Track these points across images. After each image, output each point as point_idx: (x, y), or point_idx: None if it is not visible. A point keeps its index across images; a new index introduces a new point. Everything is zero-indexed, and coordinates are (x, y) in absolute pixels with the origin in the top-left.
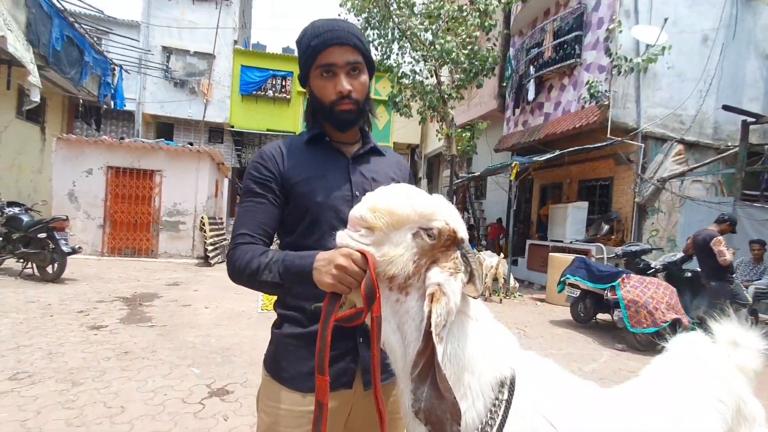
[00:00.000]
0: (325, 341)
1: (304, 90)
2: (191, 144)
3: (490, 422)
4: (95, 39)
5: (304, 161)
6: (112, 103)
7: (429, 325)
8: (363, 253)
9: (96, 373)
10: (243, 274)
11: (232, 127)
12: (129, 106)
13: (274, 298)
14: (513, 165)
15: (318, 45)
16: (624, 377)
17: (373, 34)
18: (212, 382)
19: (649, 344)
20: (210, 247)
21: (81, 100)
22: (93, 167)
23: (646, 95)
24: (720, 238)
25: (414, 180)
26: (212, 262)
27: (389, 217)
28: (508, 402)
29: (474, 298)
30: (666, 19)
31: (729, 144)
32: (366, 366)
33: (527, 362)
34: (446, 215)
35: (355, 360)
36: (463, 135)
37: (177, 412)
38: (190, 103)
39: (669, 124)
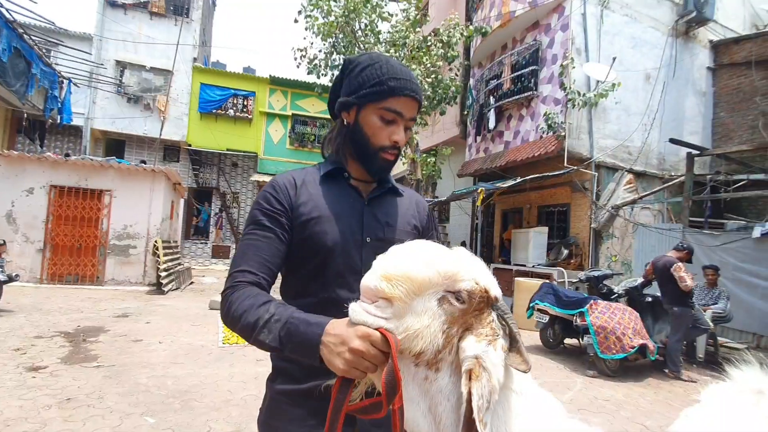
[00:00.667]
0: None
1: (335, 116)
2: (144, 162)
3: None
4: (44, 51)
5: (318, 197)
6: (59, 117)
7: (469, 410)
8: (384, 334)
9: (35, 424)
10: (236, 324)
11: (189, 145)
12: (77, 121)
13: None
14: (479, 191)
15: (396, 89)
16: (600, 406)
17: (339, 59)
18: None
19: (619, 370)
20: (163, 273)
21: (25, 114)
22: (34, 186)
23: (598, 127)
24: (680, 264)
25: (435, 221)
26: (166, 289)
27: (408, 283)
28: None
29: (524, 372)
30: (614, 58)
31: (672, 174)
32: (363, 430)
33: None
34: (474, 273)
35: (351, 422)
36: (428, 160)
37: None
38: (145, 120)
39: (618, 155)
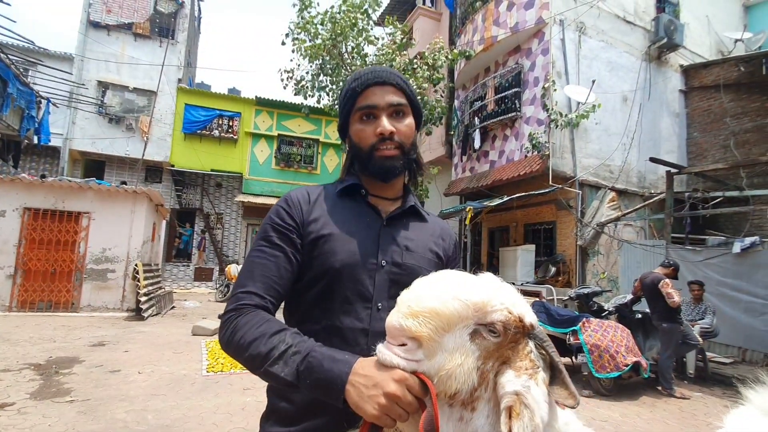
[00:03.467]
0: None
1: (343, 144)
2: (124, 183)
3: None
4: (21, 70)
5: (332, 214)
6: (35, 138)
7: None
8: (422, 378)
9: None
10: (242, 353)
11: (173, 166)
12: (55, 142)
13: (223, 357)
14: (468, 210)
15: (357, 86)
16: (599, 427)
17: (327, 80)
18: None
19: (614, 388)
20: (143, 298)
21: None
22: (7, 209)
23: (580, 147)
24: (667, 280)
25: (460, 251)
26: (145, 315)
27: (436, 320)
28: None
29: (572, 407)
30: (594, 81)
31: (652, 191)
32: None
33: None
34: (506, 301)
35: None
36: None
37: None
38: (127, 141)
39: (601, 173)
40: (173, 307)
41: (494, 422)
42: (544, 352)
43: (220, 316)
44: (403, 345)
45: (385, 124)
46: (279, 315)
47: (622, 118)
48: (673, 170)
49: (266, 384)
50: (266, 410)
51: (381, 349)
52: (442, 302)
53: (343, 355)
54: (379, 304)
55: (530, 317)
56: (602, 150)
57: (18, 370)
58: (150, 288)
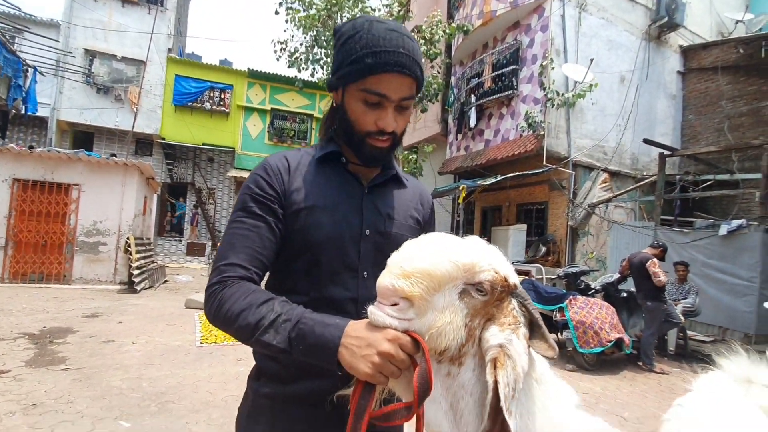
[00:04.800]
0: None
1: (329, 94)
2: (114, 155)
3: None
4: (8, 37)
5: (313, 184)
6: (23, 107)
7: (495, 399)
8: (414, 337)
9: None
10: (231, 324)
11: (163, 139)
12: (42, 112)
13: (216, 330)
14: (461, 188)
15: (375, 66)
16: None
17: (321, 53)
18: None
19: (596, 363)
20: (136, 271)
21: None
22: None
23: (575, 127)
24: (655, 260)
25: (434, 218)
26: (138, 288)
27: (427, 280)
28: None
29: (551, 357)
30: (592, 60)
31: (644, 174)
32: None
33: (583, 423)
34: (493, 262)
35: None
36: (410, 157)
37: None
38: (116, 112)
39: (594, 155)
40: (166, 281)
41: (479, 375)
42: (525, 309)
43: None
44: (395, 305)
45: (390, 120)
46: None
47: (618, 99)
48: (665, 152)
49: None
50: (254, 371)
51: (372, 310)
52: (433, 263)
53: (333, 320)
54: (365, 273)
55: (514, 277)
56: (597, 131)
57: (12, 339)
58: (142, 261)
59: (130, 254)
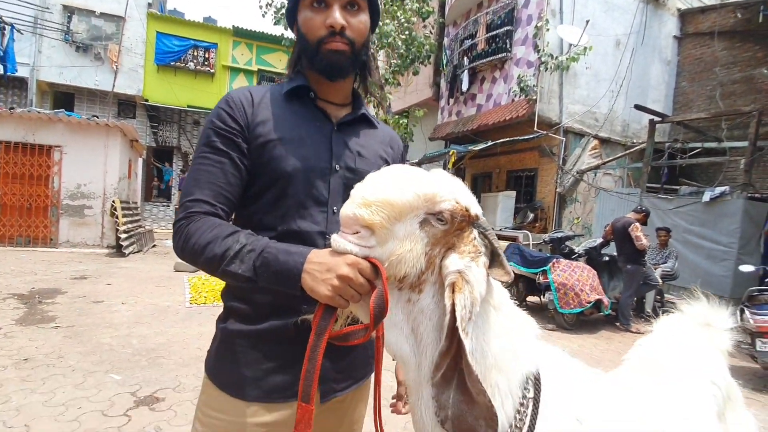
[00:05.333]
0: (314, 363)
1: (293, 32)
2: (96, 117)
3: (519, 424)
4: None
5: (280, 118)
6: (2, 67)
7: (453, 320)
8: (372, 262)
9: None
10: (199, 256)
11: (146, 100)
12: (21, 72)
13: (206, 291)
14: (451, 153)
15: None
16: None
17: None
18: (137, 389)
19: (576, 323)
20: (123, 235)
21: None
22: None
23: (568, 92)
24: (637, 224)
25: (405, 160)
26: (126, 252)
27: (388, 209)
28: (536, 400)
29: (507, 281)
30: (588, 21)
31: (635, 141)
32: (323, 374)
33: (542, 353)
34: (454, 192)
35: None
36: (400, 122)
37: (96, 429)
38: (96, 71)
39: (586, 121)
40: (155, 245)
41: (438, 301)
42: (486, 239)
43: None
44: (357, 233)
45: (337, 16)
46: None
47: (612, 63)
48: (655, 119)
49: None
50: (223, 313)
51: (335, 237)
52: (394, 193)
53: (297, 248)
54: (335, 208)
55: (476, 209)
56: (590, 96)
57: (2, 300)
58: (130, 225)
59: (117, 218)
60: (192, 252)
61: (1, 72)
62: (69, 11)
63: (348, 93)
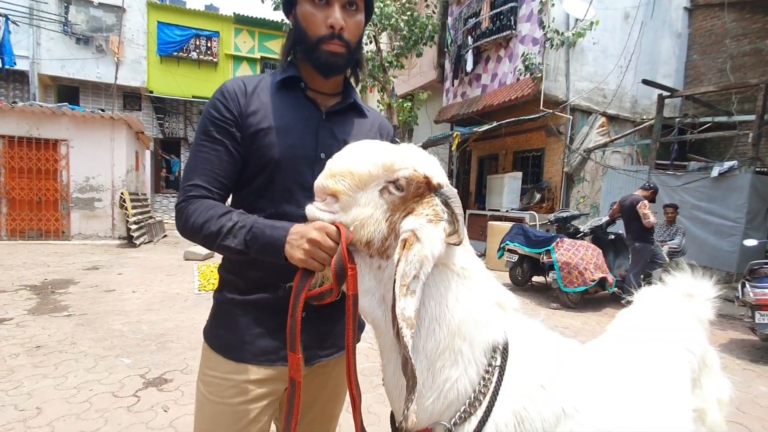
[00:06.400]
0: (295, 319)
1: (288, 20)
2: (102, 110)
3: (483, 390)
4: None
5: (270, 107)
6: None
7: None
8: (336, 226)
9: (2, 372)
10: (198, 233)
11: (151, 92)
12: (21, 65)
13: (215, 278)
14: (455, 135)
15: None
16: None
17: None
18: (147, 372)
19: (580, 302)
20: (133, 226)
21: None
22: None
23: (575, 69)
24: (645, 202)
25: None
26: (137, 242)
27: (350, 178)
28: (502, 368)
29: (455, 245)
30: None
31: (644, 117)
32: (306, 342)
33: (516, 323)
34: (413, 161)
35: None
36: (405, 105)
37: (106, 408)
38: (98, 63)
39: (593, 98)
40: (165, 235)
41: None
42: (448, 208)
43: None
44: (324, 201)
45: (338, 16)
46: None
47: (621, 38)
48: (664, 93)
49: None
50: (219, 285)
51: (308, 207)
52: (356, 163)
53: (281, 224)
54: None
55: (439, 177)
56: (597, 73)
57: (14, 291)
58: (140, 216)
59: (126, 209)
60: (191, 230)
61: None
62: (66, 1)
63: (339, 83)
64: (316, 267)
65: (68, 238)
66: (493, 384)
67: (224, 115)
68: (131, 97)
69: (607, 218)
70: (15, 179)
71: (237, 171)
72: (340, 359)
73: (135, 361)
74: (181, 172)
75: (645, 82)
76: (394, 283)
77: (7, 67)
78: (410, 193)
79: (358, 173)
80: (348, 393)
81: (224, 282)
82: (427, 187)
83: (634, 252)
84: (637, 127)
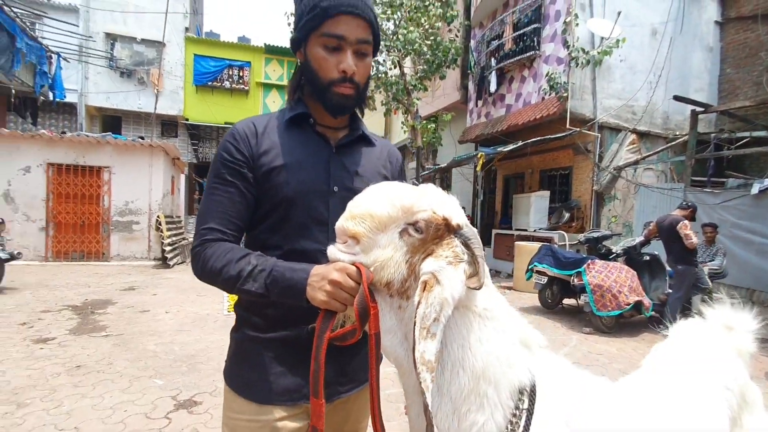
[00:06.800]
0: (319, 362)
1: (295, 56)
2: (142, 138)
3: None
4: (27, 24)
5: (281, 146)
6: (51, 94)
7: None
8: (357, 266)
9: (44, 391)
10: (217, 278)
11: (187, 120)
12: (70, 98)
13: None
14: (479, 156)
15: (329, 8)
16: (594, 359)
17: None
18: (178, 393)
19: (614, 326)
20: (168, 248)
21: (13, 91)
22: (30, 164)
23: (601, 87)
24: (686, 222)
25: (404, 174)
26: (171, 263)
27: (370, 220)
28: (530, 412)
29: (475, 289)
30: (619, 13)
31: (677, 133)
32: (328, 379)
33: (543, 363)
34: (432, 203)
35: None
36: (428, 127)
37: (140, 430)
38: (139, 95)
39: (622, 115)
40: None
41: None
42: (468, 249)
43: None
44: (345, 243)
45: (350, 62)
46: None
47: (649, 54)
48: (697, 109)
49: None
50: (236, 323)
51: (329, 248)
52: (376, 206)
53: (300, 266)
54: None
55: (458, 219)
56: (625, 90)
57: (57, 311)
58: (174, 238)
59: (162, 232)
60: (210, 274)
61: (51, 98)
62: (111, 39)
63: (346, 117)
64: (338, 308)
65: (108, 259)
66: (521, 429)
67: (235, 156)
68: (169, 125)
69: (642, 238)
70: (62, 204)
71: (250, 211)
72: (360, 393)
73: (167, 383)
74: None
75: (676, 98)
76: (414, 325)
77: (58, 99)
78: (430, 235)
79: (377, 216)
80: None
81: (242, 320)
82: (446, 229)
83: (678, 275)
84: (669, 144)
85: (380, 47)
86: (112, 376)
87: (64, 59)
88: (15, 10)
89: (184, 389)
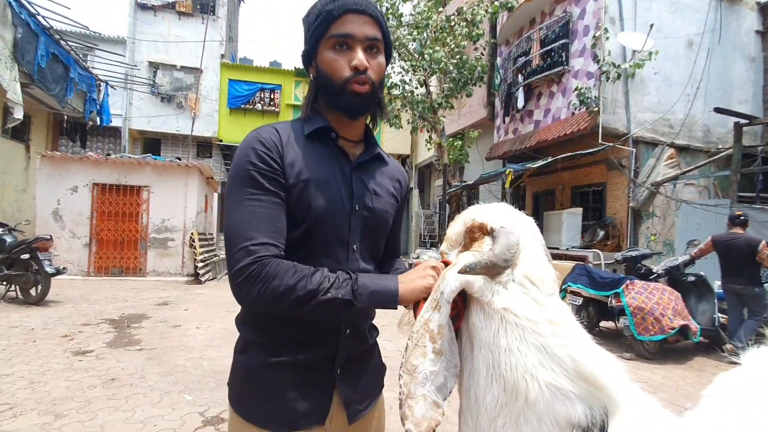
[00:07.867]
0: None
1: (307, 73)
2: (179, 159)
3: None
4: (80, 55)
5: (305, 159)
6: (98, 119)
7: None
8: (446, 261)
9: (80, 403)
10: (287, 295)
11: (221, 141)
12: (115, 122)
13: None
14: (507, 172)
15: (334, 10)
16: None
17: None
18: (206, 410)
19: (658, 352)
20: (200, 264)
21: (66, 117)
22: (78, 184)
23: (635, 100)
24: (765, 242)
25: (409, 192)
26: (203, 279)
27: (447, 240)
28: None
29: (494, 274)
30: (652, 25)
31: (720, 146)
32: (347, 399)
33: (623, 397)
34: (475, 214)
35: (329, 393)
36: (455, 144)
37: None
38: (177, 118)
39: (659, 129)
40: (227, 273)
41: (481, 318)
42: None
43: None
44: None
45: (361, 57)
46: None
47: (686, 66)
48: (741, 121)
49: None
50: (242, 346)
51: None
52: (453, 227)
53: (381, 276)
54: (354, 246)
55: (493, 223)
56: (661, 103)
57: (96, 324)
58: (206, 255)
59: (195, 248)
60: (277, 295)
61: (99, 123)
62: (154, 67)
63: (361, 129)
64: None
65: (144, 274)
66: None
67: (272, 165)
68: (204, 146)
69: (687, 257)
70: (104, 222)
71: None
72: (375, 407)
73: (196, 398)
74: None
75: (717, 110)
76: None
77: (105, 124)
78: (469, 237)
79: (451, 236)
80: None
81: (249, 343)
82: (481, 231)
83: (754, 298)
84: (712, 158)
85: (406, 67)
86: (144, 389)
87: (112, 87)
88: (70, 43)
89: (212, 405)
